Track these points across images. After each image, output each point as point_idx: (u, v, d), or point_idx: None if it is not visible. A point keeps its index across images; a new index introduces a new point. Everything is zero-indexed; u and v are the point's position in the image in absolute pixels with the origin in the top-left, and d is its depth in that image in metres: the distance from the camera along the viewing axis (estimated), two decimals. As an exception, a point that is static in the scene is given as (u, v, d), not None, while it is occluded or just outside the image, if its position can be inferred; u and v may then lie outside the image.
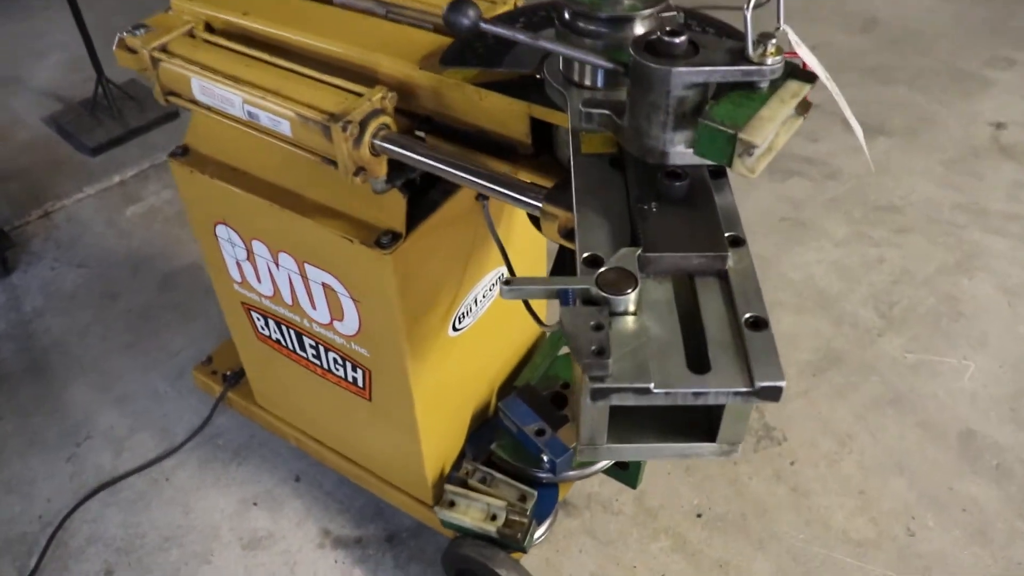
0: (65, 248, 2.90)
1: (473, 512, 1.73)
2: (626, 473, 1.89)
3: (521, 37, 1.07)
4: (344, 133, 1.25)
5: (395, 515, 2.03)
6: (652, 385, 0.79)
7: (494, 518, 1.71)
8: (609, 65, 1.06)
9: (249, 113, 1.38)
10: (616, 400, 0.80)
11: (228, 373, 2.18)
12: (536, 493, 1.74)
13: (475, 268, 1.64)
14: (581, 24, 1.12)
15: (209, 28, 1.59)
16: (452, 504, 1.75)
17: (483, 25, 1.09)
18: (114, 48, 1.53)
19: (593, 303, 0.84)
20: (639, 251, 0.90)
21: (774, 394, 0.80)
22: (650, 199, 0.98)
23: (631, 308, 0.85)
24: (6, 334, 2.59)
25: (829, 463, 2.12)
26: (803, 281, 2.62)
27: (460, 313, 1.65)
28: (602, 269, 0.87)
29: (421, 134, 1.38)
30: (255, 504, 2.09)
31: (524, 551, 1.74)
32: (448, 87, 1.28)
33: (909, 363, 2.37)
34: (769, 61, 0.94)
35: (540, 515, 1.79)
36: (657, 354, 0.82)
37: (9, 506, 2.12)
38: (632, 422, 0.89)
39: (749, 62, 0.94)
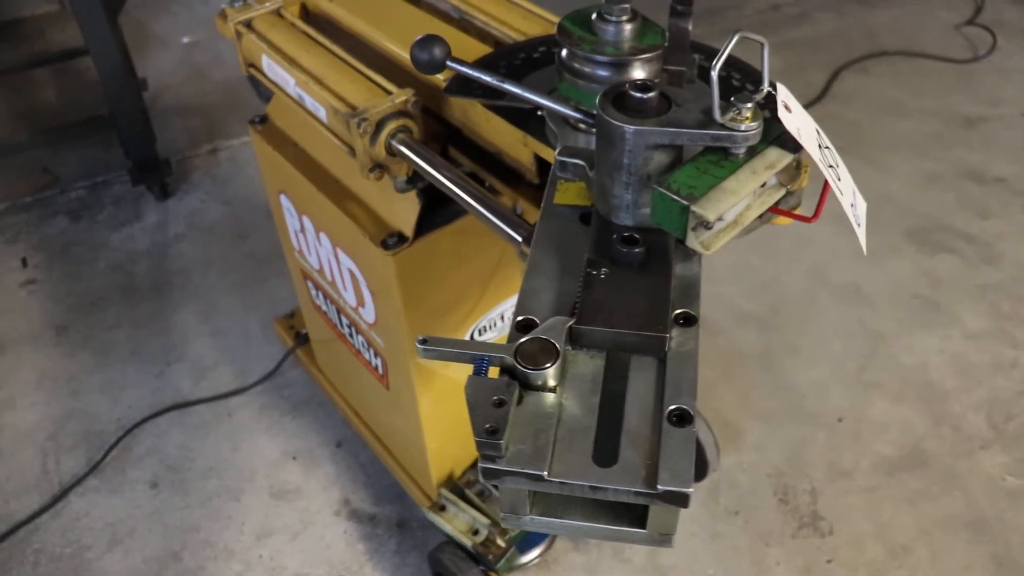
0: (219, 184, 3.16)
1: (458, 522, 1.74)
2: (631, 524, 1.82)
3: (486, 78, 1.05)
4: (358, 129, 1.28)
5: (413, 503, 2.07)
6: (546, 473, 0.73)
7: (476, 533, 1.71)
8: (575, 115, 1.02)
9: (298, 95, 1.45)
10: (509, 483, 0.75)
11: (302, 331, 2.31)
12: (525, 519, 1.72)
13: (503, 284, 1.63)
14: (576, 65, 1.08)
15: (305, 9, 1.68)
16: (443, 508, 1.77)
17: (450, 63, 1.07)
18: (216, 16, 1.65)
19: (511, 373, 0.79)
20: (571, 322, 0.83)
21: (680, 499, 0.72)
22: (602, 264, 0.90)
23: (549, 383, 0.79)
24: (147, 252, 2.87)
25: (871, 572, 1.93)
26: (913, 368, 2.38)
27: (480, 326, 1.65)
28: (523, 339, 0.81)
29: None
30: (294, 458, 2.21)
31: (497, 572, 1.72)
32: (466, 103, 1.27)
33: (1007, 487, 2.09)
34: (742, 127, 0.86)
35: (528, 542, 1.76)
36: (565, 438, 0.76)
37: (98, 404, 2.37)
38: (562, 496, 0.81)
39: (719, 126, 0.87)
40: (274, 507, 2.11)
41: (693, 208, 0.83)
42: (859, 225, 0.97)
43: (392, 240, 1.41)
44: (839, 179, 0.94)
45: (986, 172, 3.10)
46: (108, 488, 2.16)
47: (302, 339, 2.31)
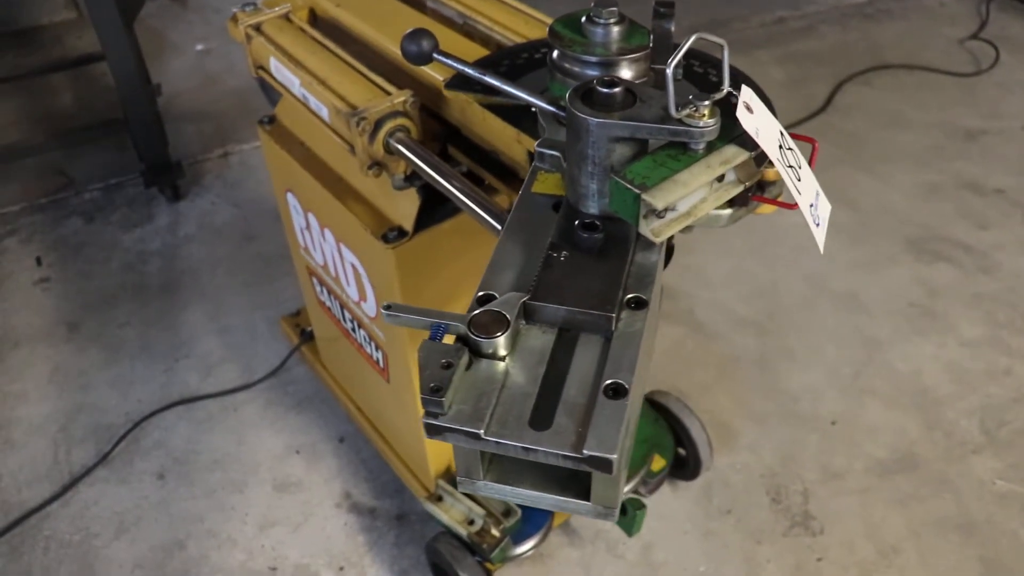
0: (229, 187, 3.23)
1: (454, 512, 1.78)
2: (624, 518, 1.86)
3: (470, 71, 1.10)
4: (358, 127, 1.34)
5: (412, 497, 2.11)
6: (482, 432, 0.79)
7: (471, 523, 1.75)
8: (550, 108, 1.07)
9: (303, 95, 1.51)
10: (450, 440, 0.81)
11: (307, 329, 2.37)
12: (520, 512, 1.76)
13: (500, 281, 1.68)
14: (567, 65, 1.13)
15: (313, 14, 1.74)
16: (440, 499, 1.81)
17: (436, 56, 1.13)
18: (228, 20, 1.72)
19: (464, 341, 0.85)
20: (525, 297, 0.89)
21: (604, 465, 0.77)
22: (564, 248, 0.96)
23: (500, 352, 0.85)
24: (158, 252, 2.94)
25: (861, 571, 1.96)
26: (908, 374, 2.41)
27: (478, 320, 1.69)
28: (478, 310, 0.87)
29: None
30: (297, 452, 2.26)
31: (492, 562, 1.76)
32: (463, 102, 1.33)
33: (997, 491, 2.12)
34: (699, 123, 0.91)
35: (522, 534, 1.80)
36: (506, 402, 0.82)
37: (108, 399, 2.43)
38: (516, 465, 0.89)
39: (677, 122, 0.92)
40: (277, 499, 2.15)
41: (643, 196, 0.88)
42: (818, 225, 1.01)
43: (392, 234, 1.46)
44: (799, 179, 0.99)
45: (985, 184, 3.13)
46: (116, 479, 2.21)
47: (307, 337, 2.37)
